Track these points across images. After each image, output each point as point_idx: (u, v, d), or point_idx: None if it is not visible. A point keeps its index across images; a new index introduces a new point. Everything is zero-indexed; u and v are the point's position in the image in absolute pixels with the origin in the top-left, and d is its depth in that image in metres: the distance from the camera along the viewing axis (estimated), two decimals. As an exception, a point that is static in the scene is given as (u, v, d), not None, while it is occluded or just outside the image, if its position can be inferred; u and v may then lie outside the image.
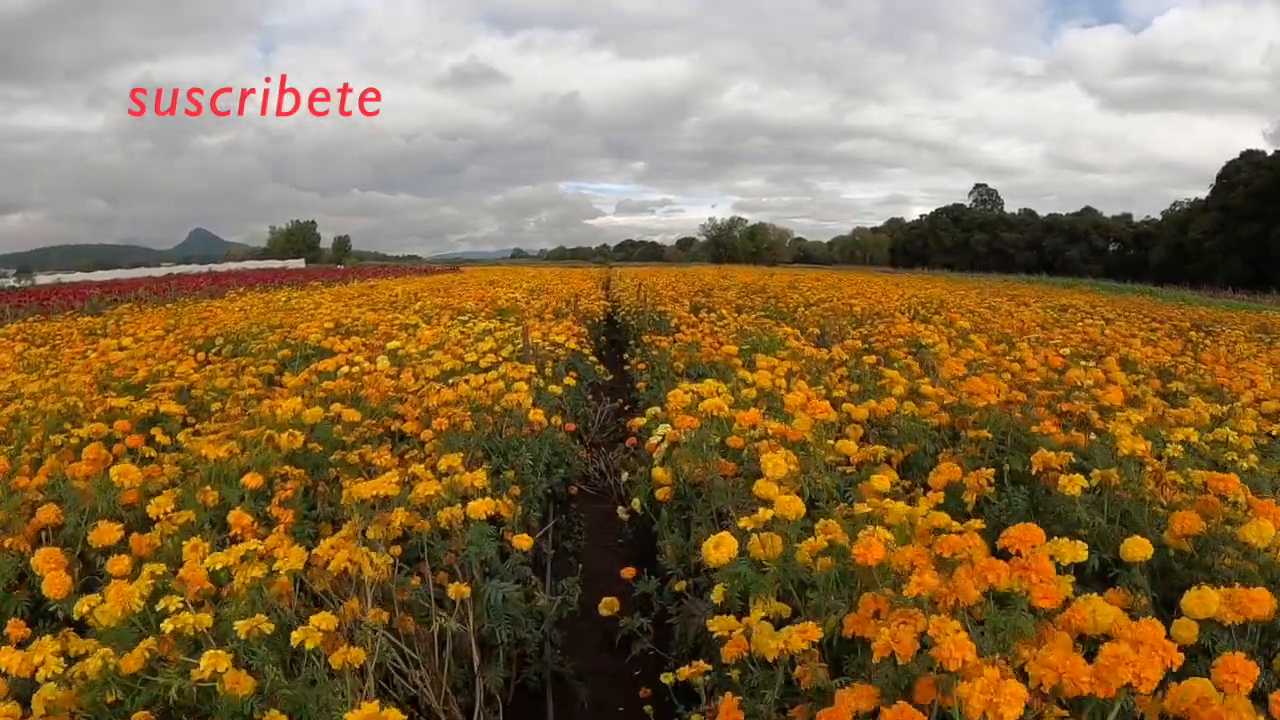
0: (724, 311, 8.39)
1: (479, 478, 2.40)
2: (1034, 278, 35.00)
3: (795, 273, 27.78)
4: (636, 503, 3.54)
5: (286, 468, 2.81)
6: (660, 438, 3.31)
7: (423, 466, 2.58)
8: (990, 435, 2.81)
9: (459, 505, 2.31)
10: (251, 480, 2.67)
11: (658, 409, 3.69)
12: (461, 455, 2.68)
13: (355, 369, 4.77)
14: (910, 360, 4.24)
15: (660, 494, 2.83)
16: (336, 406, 3.22)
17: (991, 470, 2.33)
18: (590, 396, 6.32)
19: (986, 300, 14.63)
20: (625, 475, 3.79)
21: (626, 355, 8.56)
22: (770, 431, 2.52)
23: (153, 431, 3.85)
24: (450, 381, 3.86)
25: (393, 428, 3.53)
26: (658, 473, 2.76)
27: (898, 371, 3.68)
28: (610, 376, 6.49)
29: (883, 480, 2.30)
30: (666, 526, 2.95)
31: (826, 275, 23.64)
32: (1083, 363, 4.00)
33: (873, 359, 3.97)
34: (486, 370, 4.26)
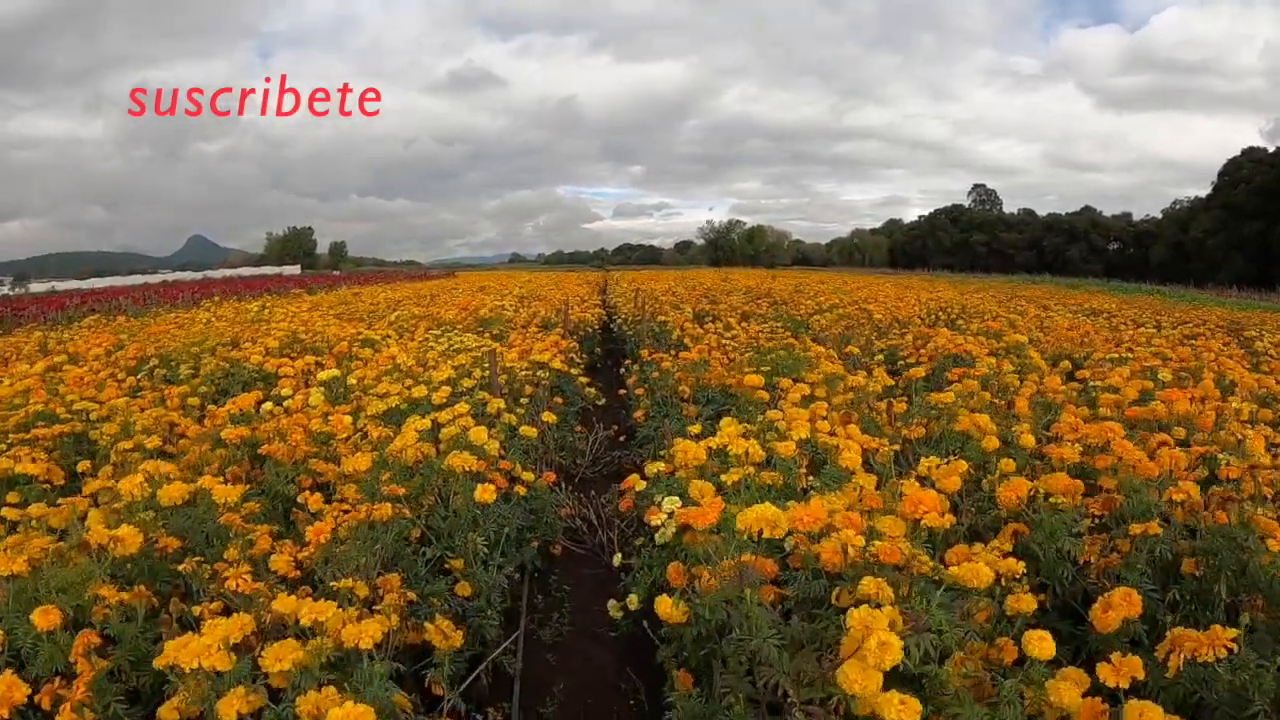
0: (731, 320, 7.43)
1: (369, 632, 1.44)
2: (1038, 278, 34.12)
3: (797, 275, 26.82)
4: (634, 599, 2.58)
5: (104, 589, 1.84)
6: (667, 515, 2.35)
7: (293, 600, 1.62)
8: (1159, 529, 1.85)
9: (331, 690, 1.34)
10: (44, 619, 1.71)
11: (660, 465, 2.72)
12: (360, 577, 1.71)
13: (290, 401, 3.80)
14: (983, 392, 3.27)
15: (665, 614, 1.86)
16: (207, 480, 2.25)
17: (1233, 632, 1.37)
18: (580, 426, 5.35)
19: (1004, 304, 13.67)
20: (618, 558, 2.83)
21: (623, 372, 7.61)
22: (848, 546, 1.55)
23: (9, 498, 2.92)
24: (366, 440, 2.89)
25: (302, 500, 2.56)
26: (663, 607, 1.79)
27: (983, 415, 2.70)
28: (604, 401, 5.51)
29: (1069, 687, 1.34)
30: (672, 664, 1.99)
31: (831, 278, 22.69)
32: (1238, 404, 3.02)
33: (949, 397, 3.00)
34: (441, 407, 3.30)
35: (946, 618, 1.41)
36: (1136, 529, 1.84)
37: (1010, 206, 64.95)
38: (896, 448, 2.59)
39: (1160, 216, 55.43)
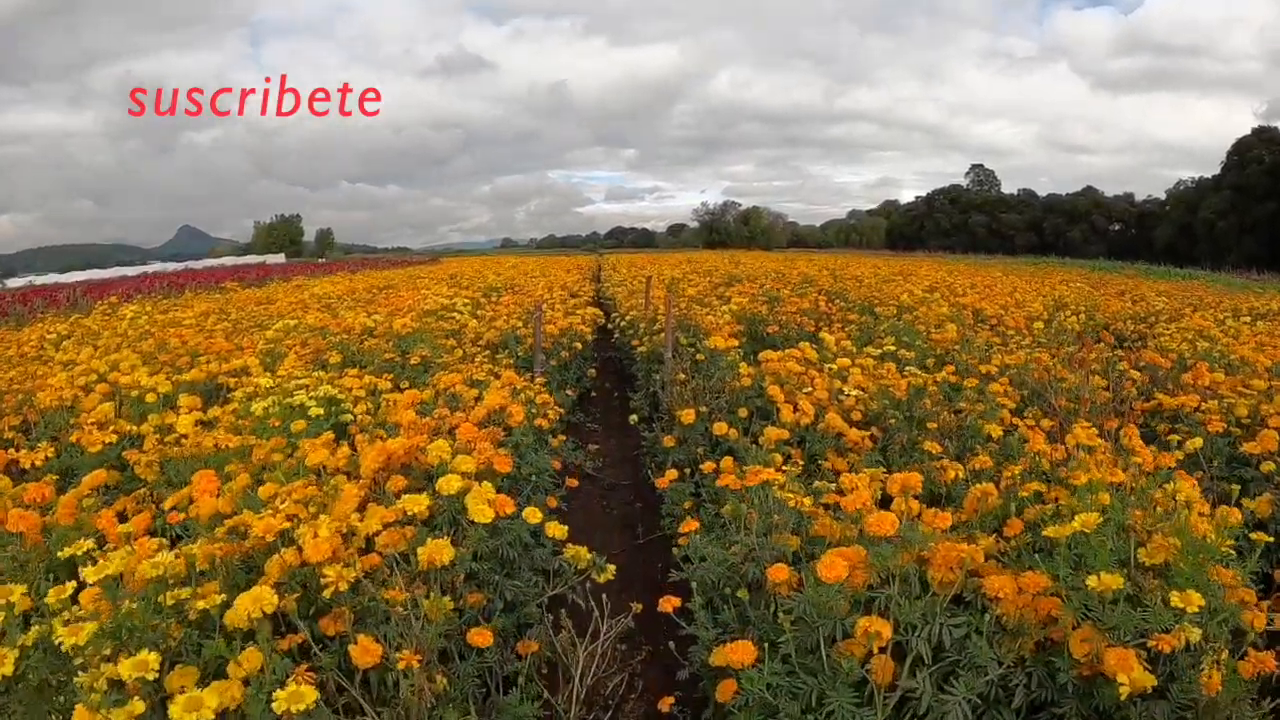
0: (826, 337, 4.20)
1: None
2: (1067, 261, 30.92)
3: (810, 257, 23.41)
4: None
5: None
6: None
7: None
8: None
9: None
10: None
11: None
12: None
13: None
14: None
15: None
16: None
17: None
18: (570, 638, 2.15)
19: (1099, 289, 10.55)
20: None
21: (646, 439, 4.39)
22: None
23: None
24: None
25: None
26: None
27: None
28: (610, 568, 2.29)
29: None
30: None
31: (855, 261, 19.36)
32: None
33: None
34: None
35: None
36: None
37: (1006, 188, 61.68)
38: None
39: (1163, 197, 52.40)
